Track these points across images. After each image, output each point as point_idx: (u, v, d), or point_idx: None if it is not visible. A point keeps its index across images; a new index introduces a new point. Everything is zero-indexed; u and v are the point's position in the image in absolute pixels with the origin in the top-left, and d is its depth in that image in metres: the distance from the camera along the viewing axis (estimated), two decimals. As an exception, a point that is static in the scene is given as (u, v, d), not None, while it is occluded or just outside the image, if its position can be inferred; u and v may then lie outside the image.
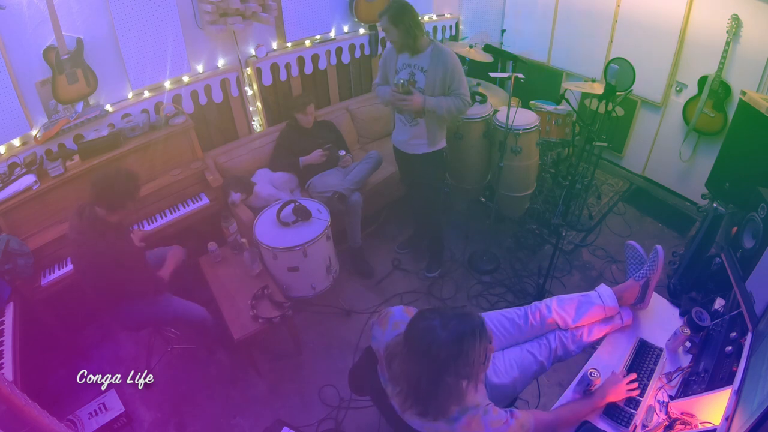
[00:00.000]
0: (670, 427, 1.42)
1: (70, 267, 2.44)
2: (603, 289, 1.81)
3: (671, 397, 1.54)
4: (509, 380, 1.66)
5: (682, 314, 1.84)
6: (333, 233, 2.72)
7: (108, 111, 2.67)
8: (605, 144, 3.15)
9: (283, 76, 3.29)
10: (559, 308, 1.78)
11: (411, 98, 2.36)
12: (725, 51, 2.83)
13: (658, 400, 1.53)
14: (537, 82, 3.91)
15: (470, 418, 1.28)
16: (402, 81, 2.38)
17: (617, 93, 2.83)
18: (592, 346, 1.80)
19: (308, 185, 3.11)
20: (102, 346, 2.71)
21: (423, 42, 2.38)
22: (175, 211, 2.82)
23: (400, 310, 1.52)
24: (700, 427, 1.36)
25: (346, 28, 3.52)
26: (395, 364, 1.33)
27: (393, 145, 2.80)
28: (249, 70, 3.15)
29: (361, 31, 3.57)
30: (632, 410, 1.50)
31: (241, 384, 2.48)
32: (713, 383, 1.45)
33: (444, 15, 4.00)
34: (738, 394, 1.29)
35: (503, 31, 4.17)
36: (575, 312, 1.77)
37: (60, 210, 2.49)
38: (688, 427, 1.39)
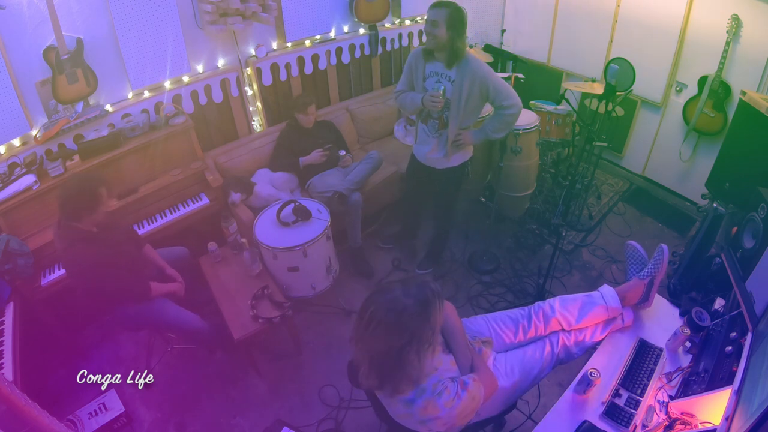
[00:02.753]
0: (670, 427, 1.42)
1: (70, 267, 2.45)
2: (606, 289, 1.81)
3: (671, 397, 1.54)
4: (510, 383, 1.66)
5: (682, 314, 1.84)
6: (333, 233, 2.71)
7: (108, 111, 2.67)
8: (605, 144, 3.15)
9: (283, 76, 3.29)
10: (562, 308, 1.79)
11: (465, 139, 2.38)
12: (725, 51, 2.83)
13: (658, 400, 1.53)
14: (537, 82, 3.90)
15: (426, 401, 1.33)
16: (444, 88, 2.28)
17: (617, 93, 2.83)
18: (593, 347, 1.80)
19: (308, 185, 3.11)
20: (102, 346, 2.71)
21: (460, 56, 2.24)
22: (175, 211, 2.82)
23: None
24: (700, 427, 1.36)
25: (346, 28, 3.52)
26: (360, 346, 1.34)
27: (413, 155, 2.74)
28: (249, 70, 3.15)
29: (361, 31, 3.56)
30: (632, 410, 1.50)
31: (241, 384, 2.48)
32: (713, 383, 1.45)
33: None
34: (738, 394, 1.29)
35: (503, 31, 4.17)
36: (578, 312, 1.77)
37: (60, 210, 2.49)
38: (688, 427, 1.39)
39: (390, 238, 3.32)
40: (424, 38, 2.30)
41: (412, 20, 3.77)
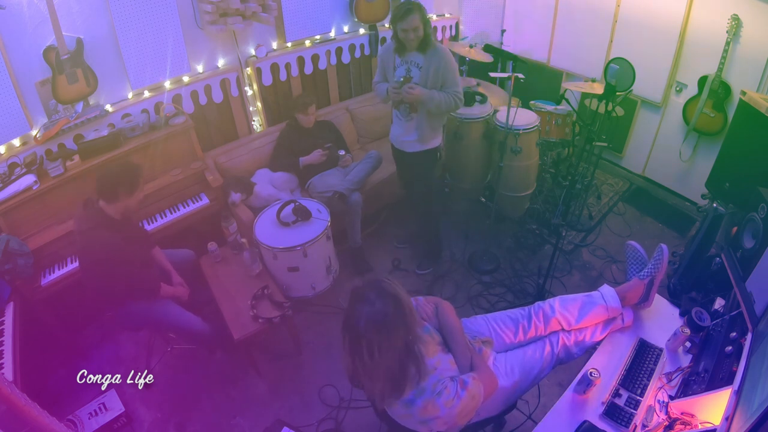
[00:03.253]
0: (670, 427, 1.42)
1: (70, 267, 2.45)
2: (606, 289, 1.81)
3: (671, 397, 1.54)
4: (510, 383, 1.66)
5: (682, 314, 1.84)
6: (333, 233, 2.72)
7: (108, 111, 2.67)
8: (605, 144, 3.15)
9: (283, 76, 3.29)
10: (562, 308, 1.78)
11: (413, 90, 2.38)
12: (725, 51, 2.83)
13: (658, 400, 1.53)
14: (537, 82, 3.90)
15: (426, 401, 1.33)
16: (403, 77, 2.44)
17: (617, 93, 2.83)
18: (593, 347, 1.80)
19: (308, 185, 3.11)
20: (102, 346, 2.71)
21: (434, 40, 2.42)
22: (175, 211, 2.82)
23: None
24: (700, 427, 1.36)
25: (346, 28, 3.52)
26: (369, 372, 1.31)
27: (390, 144, 2.83)
28: (249, 70, 3.15)
29: (361, 31, 3.57)
30: (632, 410, 1.50)
31: (241, 384, 2.48)
32: (713, 383, 1.45)
33: (444, 15, 4.00)
34: (738, 394, 1.29)
35: (503, 31, 4.17)
36: (578, 312, 1.77)
37: (60, 210, 2.48)
38: (688, 427, 1.39)
39: (404, 239, 3.32)
40: (393, 39, 2.46)
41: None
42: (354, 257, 3.10)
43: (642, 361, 1.65)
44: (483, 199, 3.42)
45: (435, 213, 3.03)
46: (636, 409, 1.50)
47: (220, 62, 3.05)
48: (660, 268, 1.77)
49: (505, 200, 3.13)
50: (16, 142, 2.48)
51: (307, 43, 3.33)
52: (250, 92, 3.25)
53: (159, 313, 2.24)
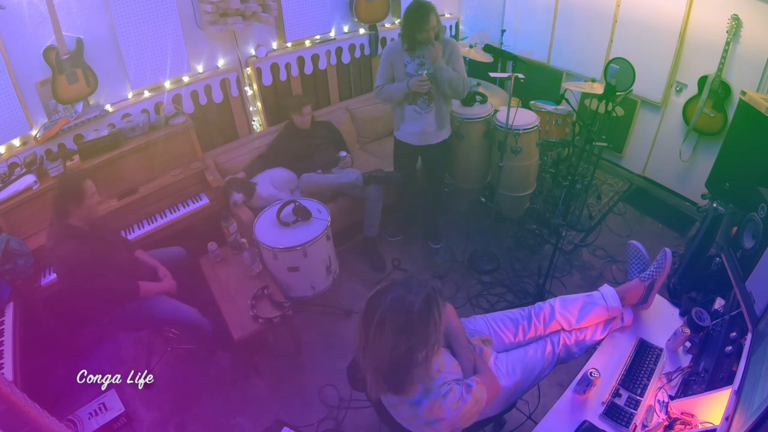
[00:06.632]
0: (670, 427, 1.42)
1: (70, 267, 2.45)
2: (606, 289, 1.81)
3: (671, 397, 1.54)
4: (512, 383, 1.66)
5: (682, 314, 1.84)
6: (333, 233, 2.71)
7: (108, 111, 2.67)
8: (605, 144, 3.15)
9: (283, 76, 3.29)
10: (562, 309, 1.78)
11: (435, 50, 2.46)
12: (725, 51, 2.83)
13: (658, 400, 1.53)
14: (537, 82, 3.90)
15: (432, 402, 1.33)
16: (427, 71, 2.51)
17: (617, 93, 2.83)
18: (593, 346, 1.80)
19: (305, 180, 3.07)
20: (102, 346, 2.71)
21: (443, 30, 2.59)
22: (175, 211, 2.82)
23: None
24: (700, 427, 1.36)
25: (346, 28, 3.52)
26: (369, 353, 1.30)
27: (400, 141, 2.84)
28: (249, 70, 3.16)
29: (361, 31, 3.57)
30: (632, 410, 1.50)
31: (241, 384, 2.48)
32: (713, 383, 1.45)
33: (444, 15, 4.00)
34: (738, 394, 1.29)
35: (503, 31, 4.17)
36: (579, 312, 1.77)
37: (60, 210, 2.48)
38: (688, 427, 1.39)
39: (394, 231, 3.34)
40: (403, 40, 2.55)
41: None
42: (368, 248, 3.11)
43: (642, 361, 1.65)
44: (483, 199, 3.42)
45: (443, 191, 3.23)
46: (636, 409, 1.50)
47: (220, 62, 3.05)
48: (662, 272, 1.76)
49: (505, 200, 3.14)
50: (16, 142, 2.48)
51: (307, 43, 3.33)
52: (250, 92, 3.25)
53: (152, 310, 2.23)
